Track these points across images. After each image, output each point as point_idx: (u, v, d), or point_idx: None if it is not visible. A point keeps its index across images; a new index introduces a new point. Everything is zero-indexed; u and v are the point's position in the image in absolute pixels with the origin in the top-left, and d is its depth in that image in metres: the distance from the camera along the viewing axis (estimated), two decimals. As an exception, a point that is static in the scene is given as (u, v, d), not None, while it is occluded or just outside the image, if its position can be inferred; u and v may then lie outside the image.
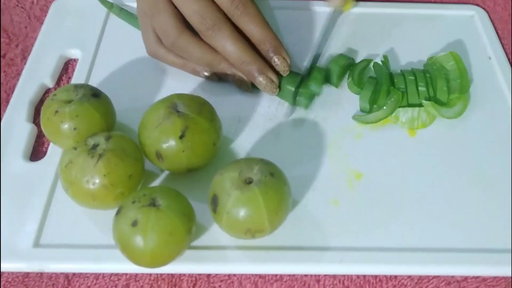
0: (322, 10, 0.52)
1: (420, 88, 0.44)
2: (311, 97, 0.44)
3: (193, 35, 0.42)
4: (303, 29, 0.51)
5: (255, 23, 0.42)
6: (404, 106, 0.43)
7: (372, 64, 0.47)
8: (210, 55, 0.42)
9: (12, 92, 0.45)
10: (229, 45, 0.41)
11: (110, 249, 0.35)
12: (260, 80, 0.42)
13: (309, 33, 0.50)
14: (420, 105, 0.43)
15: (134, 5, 0.48)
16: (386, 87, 0.44)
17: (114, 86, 0.45)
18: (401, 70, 0.46)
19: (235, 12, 0.41)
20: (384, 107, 0.43)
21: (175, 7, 0.42)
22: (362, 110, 0.44)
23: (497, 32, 0.51)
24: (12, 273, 0.36)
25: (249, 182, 0.34)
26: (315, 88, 0.44)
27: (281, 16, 0.52)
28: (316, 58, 0.47)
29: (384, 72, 0.45)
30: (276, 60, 0.42)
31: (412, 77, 0.44)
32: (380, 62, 0.46)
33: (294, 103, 0.44)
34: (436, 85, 0.44)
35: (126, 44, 0.47)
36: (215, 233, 0.36)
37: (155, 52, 0.45)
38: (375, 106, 0.44)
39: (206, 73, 0.45)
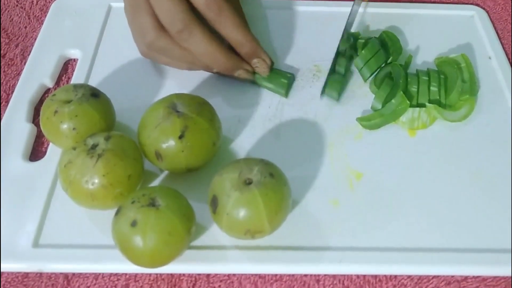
0: (321, 10, 0.52)
1: (431, 88, 0.44)
2: (339, 87, 0.45)
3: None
4: (299, 29, 0.51)
5: (232, 26, 0.41)
6: (413, 106, 0.43)
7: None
8: (190, 55, 0.42)
9: (12, 92, 0.45)
10: (200, 47, 0.40)
11: (110, 249, 0.35)
12: (237, 74, 0.44)
13: (306, 33, 0.50)
14: (422, 105, 0.43)
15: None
16: (401, 89, 0.43)
17: (113, 86, 0.45)
18: (416, 70, 0.45)
19: (211, 15, 0.41)
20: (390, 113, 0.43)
21: None
22: (372, 109, 0.44)
23: (497, 32, 0.51)
24: (12, 273, 0.36)
25: (248, 183, 0.34)
26: (333, 91, 0.45)
27: (281, 16, 0.52)
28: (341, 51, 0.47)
29: (402, 75, 0.44)
30: (255, 62, 0.43)
31: (426, 77, 0.44)
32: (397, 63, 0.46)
33: (286, 96, 0.45)
34: (452, 86, 0.44)
35: (125, 44, 0.47)
36: (215, 233, 0.36)
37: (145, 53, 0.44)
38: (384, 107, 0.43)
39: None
